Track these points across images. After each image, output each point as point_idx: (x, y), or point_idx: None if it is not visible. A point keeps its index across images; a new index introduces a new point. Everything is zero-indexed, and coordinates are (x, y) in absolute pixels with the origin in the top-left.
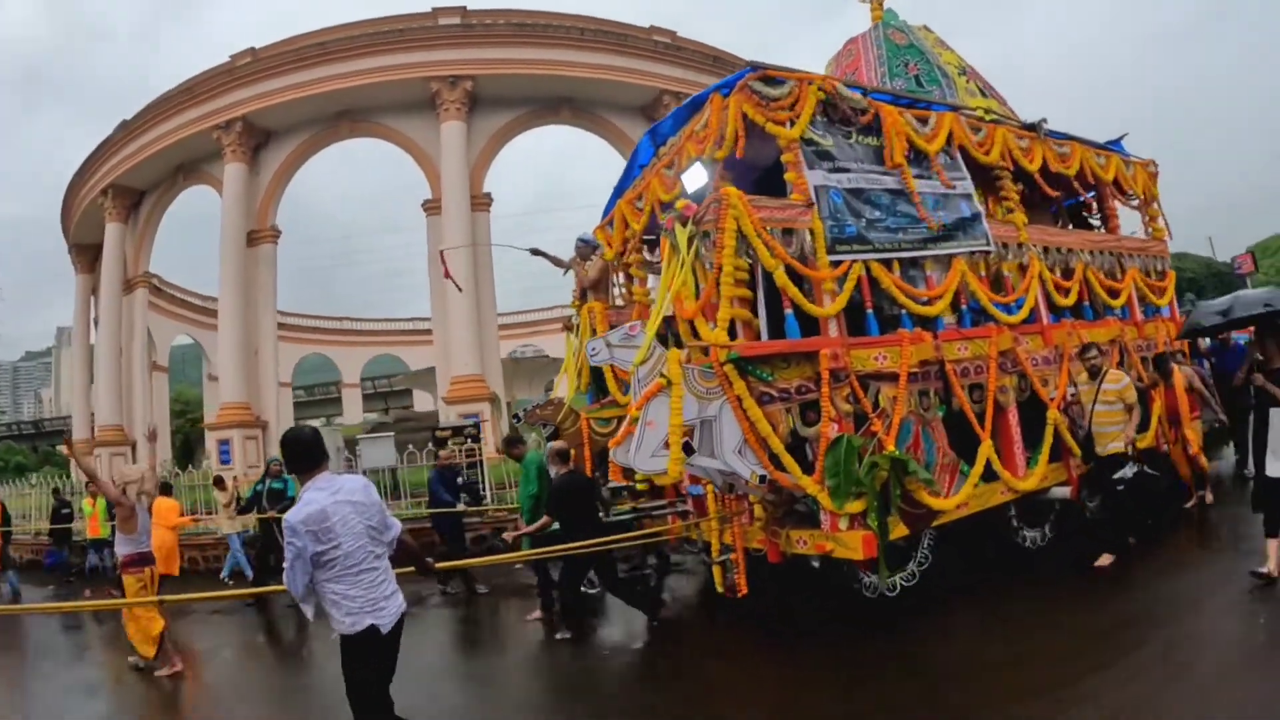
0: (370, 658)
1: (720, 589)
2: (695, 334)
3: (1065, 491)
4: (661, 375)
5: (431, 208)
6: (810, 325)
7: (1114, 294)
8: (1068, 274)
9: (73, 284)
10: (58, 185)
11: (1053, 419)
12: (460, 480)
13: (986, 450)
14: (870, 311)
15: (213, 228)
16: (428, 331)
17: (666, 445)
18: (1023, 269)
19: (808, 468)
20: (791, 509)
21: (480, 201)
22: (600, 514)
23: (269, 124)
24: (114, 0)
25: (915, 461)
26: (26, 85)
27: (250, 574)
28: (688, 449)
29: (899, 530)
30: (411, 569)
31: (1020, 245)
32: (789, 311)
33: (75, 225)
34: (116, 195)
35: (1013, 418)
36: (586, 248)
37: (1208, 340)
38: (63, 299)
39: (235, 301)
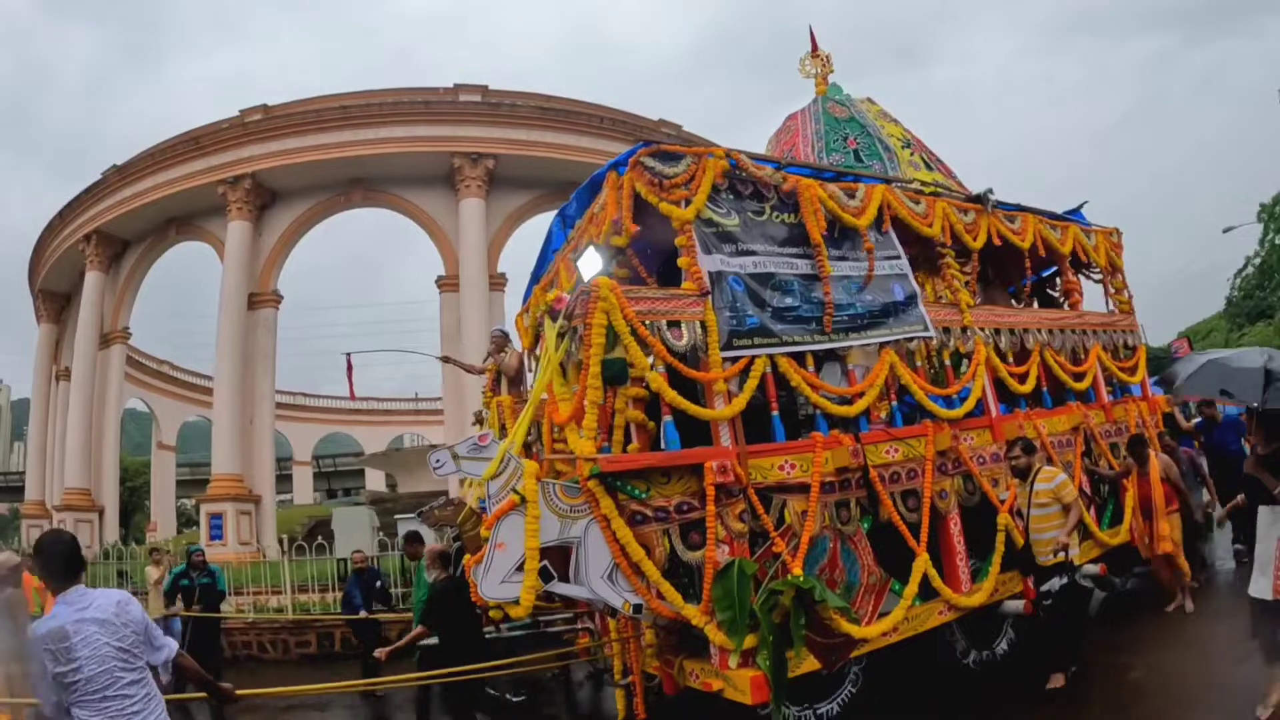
0: None
1: (622, 715)
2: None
3: (1019, 605)
4: (514, 491)
5: (447, 284)
6: (703, 432)
7: (1078, 377)
8: (1023, 358)
9: (25, 335)
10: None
11: (1003, 524)
12: (379, 584)
13: (922, 565)
14: (775, 414)
15: (165, 290)
16: (386, 411)
17: (521, 569)
18: (967, 357)
19: (697, 593)
20: (688, 634)
21: (496, 281)
22: (484, 628)
23: (277, 184)
24: (63, 48)
25: (827, 586)
26: None
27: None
28: (547, 574)
29: (806, 665)
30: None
31: (965, 329)
32: (668, 419)
33: (46, 271)
34: (100, 243)
35: (954, 526)
36: (503, 338)
37: (1196, 417)
38: None
39: (233, 366)
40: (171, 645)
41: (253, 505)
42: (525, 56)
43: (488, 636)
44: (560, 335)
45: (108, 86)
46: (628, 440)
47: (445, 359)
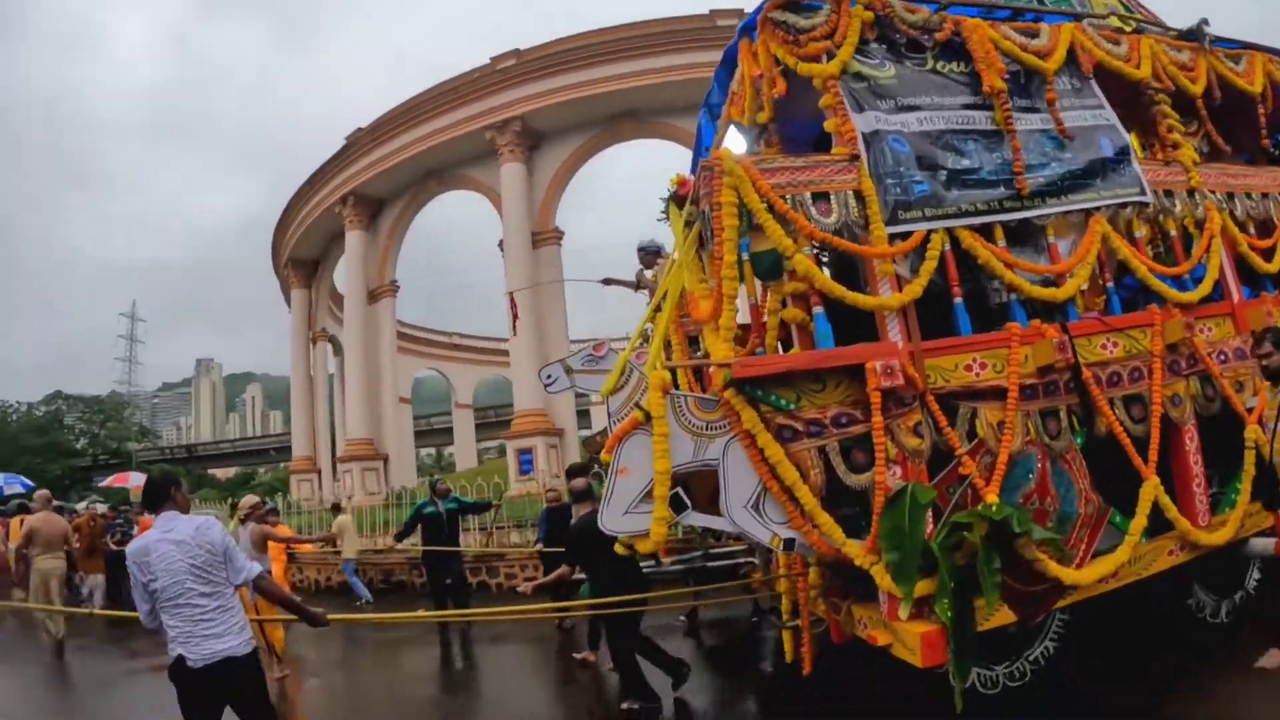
0: (178, 688)
1: (789, 659)
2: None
3: (1268, 545)
4: (638, 407)
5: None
6: (865, 328)
7: None
8: (1267, 231)
9: (231, 319)
10: (187, 230)
11: (1251, 439)
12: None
13: (1152, 491)
14: (958, 301)
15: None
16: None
17: (649, 497)
18: (1199, 226)
19: (861, 526)
20: (859, 574)
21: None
22: (639, 562)
23: (543, 125)
24: (232, 46)
25: (1035, 516)
26: (153, 131)
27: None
28: (679, 503)
29: (998, 618)
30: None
31: (1191, 193)
32: (819, 310)
33: (296, 240)
34: (356, 204)
35: (1190, 441)
36: (648, 255)
37: None
38: (196, 334)
39: (526, 305)
40: (253, 569)
41: (557, 439)
42: None
43: (646, 571)
44: (688, 223)
45: (276, 73)
46: (788, 348)
47: (607, 281)
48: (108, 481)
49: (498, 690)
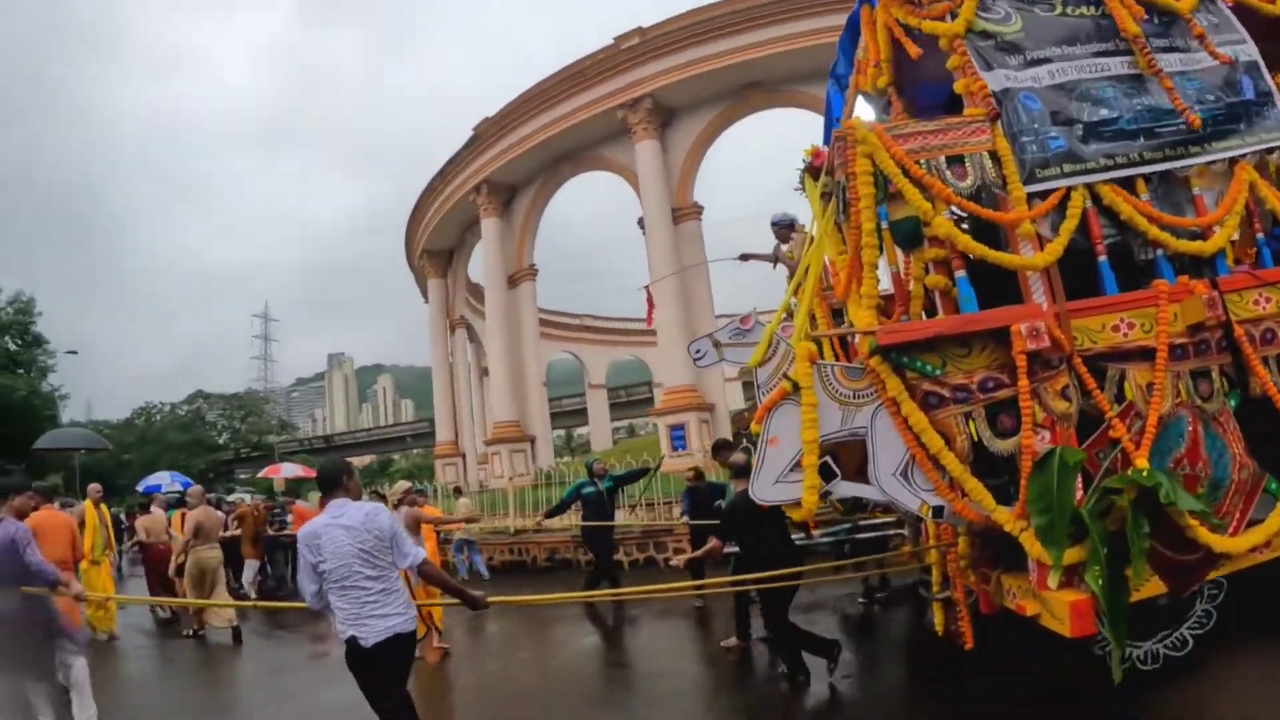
0: (352, 666)
1: (940, 632)
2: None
3: None
4: (786, 378)
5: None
6: (1008, 291)
7: None
8: None
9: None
10: (309, 231)
11: None
12: (717, 503)
13: None
14: (1103, 259)
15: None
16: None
17: (798, 467)
18: None
19: (1009, 492)
20: (1009, 543)
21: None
22: (792, 535)
23: (673, 100)
24: (336, 53)
25: (1186, 482)
26: (269, 139)
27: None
28: (828, 471)
29: (1148, 588)
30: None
31: None
32: (961, 274)
33: (429, 233)
34: (490, 191)
35: None
36: (783, 229)
37: None
38: (325, 330)
39: (670, 281)
40: (418, 554)
41: (709, 413)
42: None
43: (798, 543)
44: (825, 195)
45: (380, 77)
46: (933, 316)
47: (744, 257)
48: (263, 473)
49: (650, 666)
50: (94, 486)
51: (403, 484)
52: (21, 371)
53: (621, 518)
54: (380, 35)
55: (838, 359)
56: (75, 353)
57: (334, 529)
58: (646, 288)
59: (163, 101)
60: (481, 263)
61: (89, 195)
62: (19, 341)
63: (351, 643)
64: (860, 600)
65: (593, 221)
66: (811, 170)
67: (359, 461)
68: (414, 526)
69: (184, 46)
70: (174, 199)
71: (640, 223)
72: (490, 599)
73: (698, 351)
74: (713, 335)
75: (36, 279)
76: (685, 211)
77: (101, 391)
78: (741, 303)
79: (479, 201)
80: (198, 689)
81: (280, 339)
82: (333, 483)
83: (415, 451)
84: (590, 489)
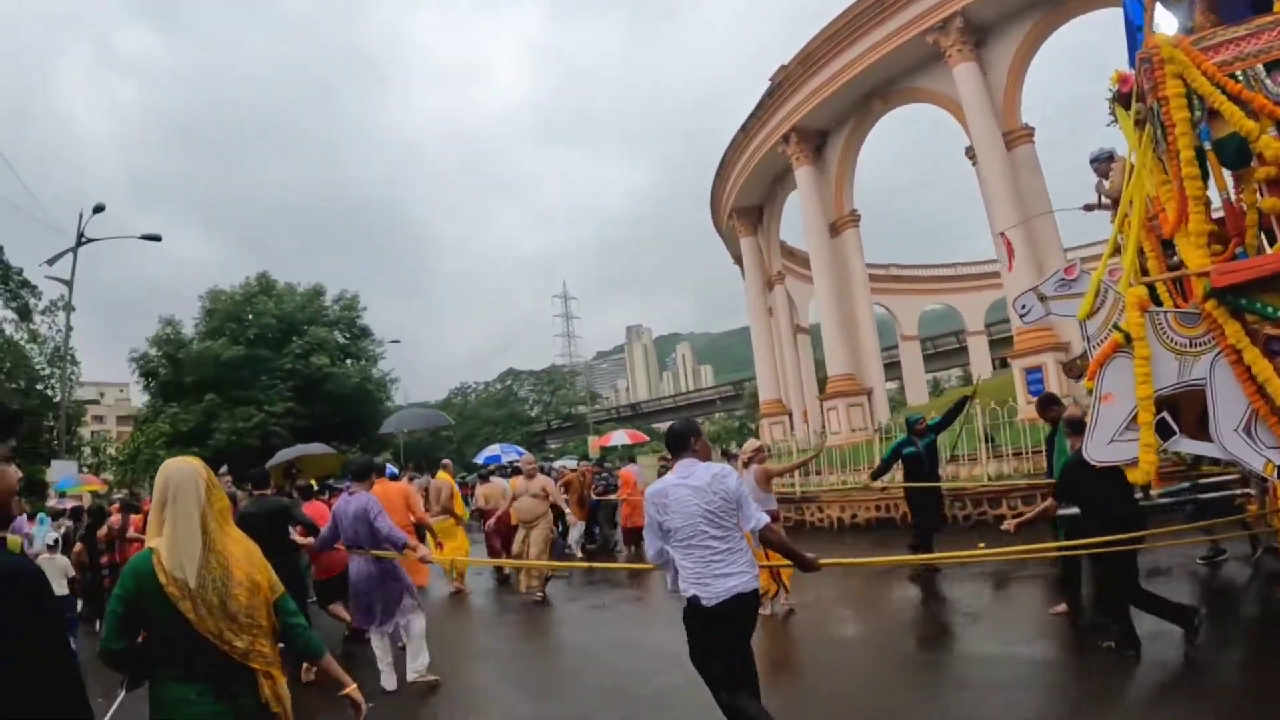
0: (691, 625)
1: None
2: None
3: None
4: (1116, 329)
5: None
6: None
7: None
8: None
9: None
10: (595, 215)
11: None
12: None
13: None
14: None
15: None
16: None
17: (1134, 425)
18: None
19: None
20: None
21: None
22: (1135, 495)
23: (982, 17)
24: (592, 43)
25: None
26: (548, 132)
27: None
28: (1166, 428)
29: None
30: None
31: None
32: None
33: (736, 192)
34: (799, 139)
35: None
36: (1102, 165)
37: None
38: (623, 304)
39: (1005, 213)
40: (761, 519)
41: (1063, 354)
42: None
43: (1140, 504)
44: (1138, 122)
45: (639, 59)
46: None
47: (1089, 207)
48: (598, 441)
49: (980, 640)
50: (446, 461)
51: (752, 442)
52: (351, 361)
53: (965, 473)
54: (630, 20)
55: (1175, 302)
56: (398, 341)
57: (681, 489)
58: (1003, 234)
59: (454, 111)
60: (792, 219)
61: (398, 209)
62: (347, 335)
63: (693, 601)
64: (1200, 560)
65: (879, 168)
66: (1120, 98)
67: (665, 427)
68: (765, 483)
69: (460, 59)
70: (488, 197)
71: (969, 152)
72: (821, 561)
73: (1023, 307)
74: (1037, 289)
75: (365, 286)
76: (1017, 134)
77: (417, 379)
78: (1090, 230)
79: (789, 152)
80: (526, 641)
81: (580, 316)
82: (682, 444)
83: (718, 415)
84: (910, 449)
